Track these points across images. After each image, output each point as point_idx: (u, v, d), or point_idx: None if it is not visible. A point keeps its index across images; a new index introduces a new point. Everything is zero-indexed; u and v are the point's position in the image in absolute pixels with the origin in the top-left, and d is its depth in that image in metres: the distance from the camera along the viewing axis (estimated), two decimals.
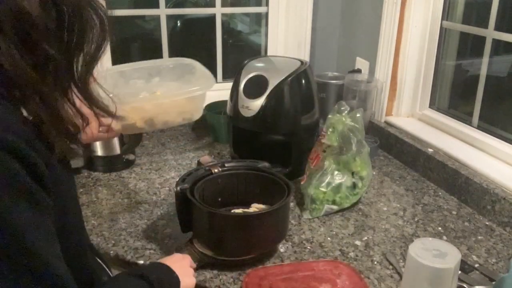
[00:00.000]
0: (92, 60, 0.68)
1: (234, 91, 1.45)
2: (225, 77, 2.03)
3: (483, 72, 1.49)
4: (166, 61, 1.28)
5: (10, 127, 0.57)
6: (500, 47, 1.50)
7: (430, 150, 1.53)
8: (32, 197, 0.58)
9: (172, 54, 1.97)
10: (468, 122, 1.58)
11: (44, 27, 0.59)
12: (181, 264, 0.97)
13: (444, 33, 1.66)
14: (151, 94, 1.20)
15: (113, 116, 0.77)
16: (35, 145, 0.59)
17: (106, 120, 0.86)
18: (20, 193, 0.57)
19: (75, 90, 0.68)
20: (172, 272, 0.91)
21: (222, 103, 1.66)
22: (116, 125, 1.06)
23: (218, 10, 1.96)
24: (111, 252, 1.14)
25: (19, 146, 0.56)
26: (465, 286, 1.01)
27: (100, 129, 1.08)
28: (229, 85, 1.50)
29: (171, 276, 0.91)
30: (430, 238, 1.11)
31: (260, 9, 2.05)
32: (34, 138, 0.59)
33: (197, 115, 1.23)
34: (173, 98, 1.16)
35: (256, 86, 1.40)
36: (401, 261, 1.12)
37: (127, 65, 1.25)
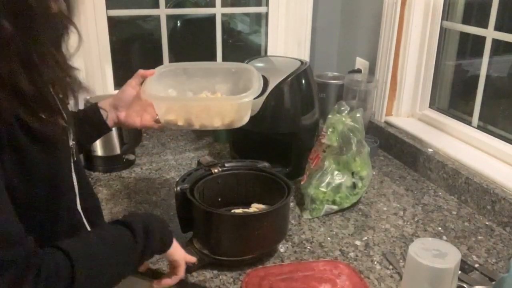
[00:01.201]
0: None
1: None
2: None
3: (483, 72, 1.49)
4: (229, 64, 1.24)
5: None
6: (500, 47, 1.50)
7: (430, 150, 1.53)
8: None
9: (172, 54, 1.97)
10: (468, 122, 1.58)
11: None
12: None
13: (444, 33, 1.66)
14: (212, 94, 1.20)
15: (75, 94, 0.79)
16: None
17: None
18: None
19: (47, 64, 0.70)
20: (166, 226, 0.91)
21: None
22: (162, 119, 1.09)
23: (218, 10, 1.96)
24: None
25: None
26: (465, 286, 1.01)
27: (153, 120, 1.13)
28: None
29: (163, 227, 0.90)
30: (430, 238, 1.11)
31: (260, 9, 2.05)
32: None
33: (239, 123, 1.15)
34: (216, 102, 1.12)
35: None
36: (401, 261, 1.12)
37: (190, 63, 1.23)
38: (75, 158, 0.88)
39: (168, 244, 0.92)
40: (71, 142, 0.86)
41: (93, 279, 0.75)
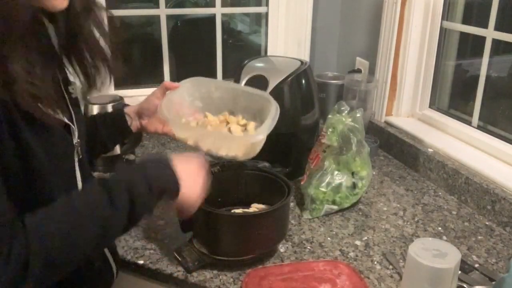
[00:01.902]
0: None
1: None
2: (225, 77, 2.02)
3: (483, 72, 1.49)
4: (253, 90, 1.23)
5: None
6: (500, 47, 1.50)
7: (430, 150, 1.53)
8: None
9: (172, 54, 1.97)
10: (468, 122, 1.58)
11: None
12: (190, 168, 0.88)
13: (444, 33, 1.66)
14: (230, 114, 1.20)
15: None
16: None
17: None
18: None
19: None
20: (167, 169, 0.83)
21: None
22: (176, 135, 1.10)
23: (218, 10, 1.96)
24: None
25: None
26: (465, 286, 1.01)
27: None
28: None
29: (163, 173, 0.83)
30: (430, 238, 1.11)
31: (260, 9, 2.05)
32: None
33: (243, 158, 1.12)
34: (222, 139, 1.11)
35: (256, 86, 1.40)
36: (401, 261, 1.12)
37: (215, 80, 1.26)
38: (80, 156, 0.89)
39: (172, 190, 0.85)
40: (76, 140, 0.87)
41: (59, 255, 0.71)
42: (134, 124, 1.16)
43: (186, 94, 1.18)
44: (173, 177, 0.84)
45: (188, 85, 1.17)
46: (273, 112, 1.12)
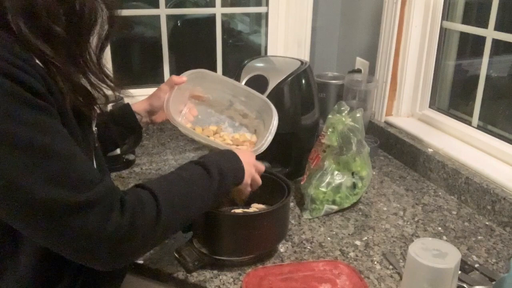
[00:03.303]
0: (101, 45, 0.81)
1: None
2: None
3: (483, 72, 1.49)
4: (254, 91, 1.27)
5: (17, 64, 0.65)
6: (500, 47, 1.50)
7: (430, 150, 1.53)
8: (35, 103, 0.66)
9: (172, 54, 1.97)
10: (468, 122, 1.58)
11: (47, 7, 0.69)
12: (248, 160, 1.02)
13: (444, 33, 1.66)
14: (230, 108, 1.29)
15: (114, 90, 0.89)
16: (46, 81, 0.68)
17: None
18: (20, 101, 0.64)
19: (88, 67, 0.80)
20: (239, 161, 0.98)
21: None
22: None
23: (218, 10, 1.96)
24: None
25: (14, 73, 0.64)
26: (465, 286, 1.01)
27: None
28: None
29: (237, 165, 0.98)
30: (430, 238, 1.11)
31: (260, 9, 2.05)
32: (45, 77, 0.69)
33: None
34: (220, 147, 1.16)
35: (256, 86, 1.40)
36: (401, 261, 1.12)
37: (223, 77, 1.31)
38: (96, 145, 0.92)
39: (240, 179, 0.99)
40: (94, 128, 0.92)
41: (175, 213, 0.82)
42: (144, 120, 1.21)
43: (189, 88, 1.22)
44: (241, 167, 0.99)
45: (191, 77, 1.21)
46: (274, 124, 1.19)
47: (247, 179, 1.01)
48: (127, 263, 0.79)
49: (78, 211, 0.67)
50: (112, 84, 0.85)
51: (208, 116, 1.30)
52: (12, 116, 0.63)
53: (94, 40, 0.80)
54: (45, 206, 0.66)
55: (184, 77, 1.19)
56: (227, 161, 0.97)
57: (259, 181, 1.07)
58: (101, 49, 0.83)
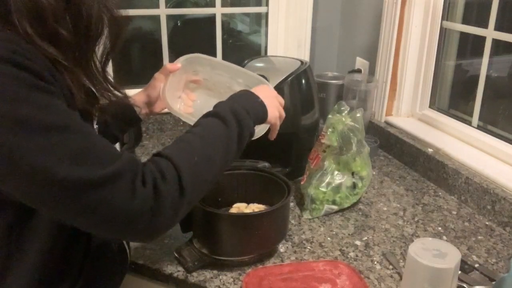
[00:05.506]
0: (106, 55, 0.82)
1: None
2: None
3: (483, 72, 1.49)
4: (252, 73, 1.25)
5: (28, 55, 0.65)
6: (500, 47, 1.50)
7: (430, 150, 1.53)
8: (42, 86, 0.65)
9: (172, 54, 1.97)
10: (468, 122, 1.58)
11: (53, 10, 0.69)
12: (268, 94, 1.00)
13: (444, 33, 1.66)
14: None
15: (118, 97, 0.87)
16: (53, 74, 0.68)
17: None
18: (27, 85, 0.64)
19: (93, 74, 0.80)
20: (256, 97, 0.95)
21: None
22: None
23: (218, 10, 1.96)
24: None
25: (17, 59, 0.64)
26: (465, 286, 1.01)
27: None
28: None
29: (254, 101, 0.94)
30: (430, 238, 1.11)
31: (260, 9, 2.05)
32: (53, 72, 0.69)
33: None
34: None
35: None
36: (401, 261, 1.12)
37: (218, 60, 1.30)
38: None
39: (264, 114, 0.96)
40: (95, 126, 0.91)
41: (198, 172, 0.79)
42: (143, 112, 1.20)
43: (184, 74, 1.21)
44: (260, 102, 0.96)
45: (185, 63, 1.19)
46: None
47: (273, 113, 0.98)
48: (165, 231, 0.77)
49: (104, 185, 0.67)
50: (117, 93, 0.85)
51: (207, 100, 1.28)
52: (21, 100, 0.63)
53: (99, 50, 0.81)
54: (72, 185, 0.65)
55: (178, 63, 1.17)
56: (243, 102, 0.93)
57: (283, 114, 1.04)
58: (106, 59, 0.83)
